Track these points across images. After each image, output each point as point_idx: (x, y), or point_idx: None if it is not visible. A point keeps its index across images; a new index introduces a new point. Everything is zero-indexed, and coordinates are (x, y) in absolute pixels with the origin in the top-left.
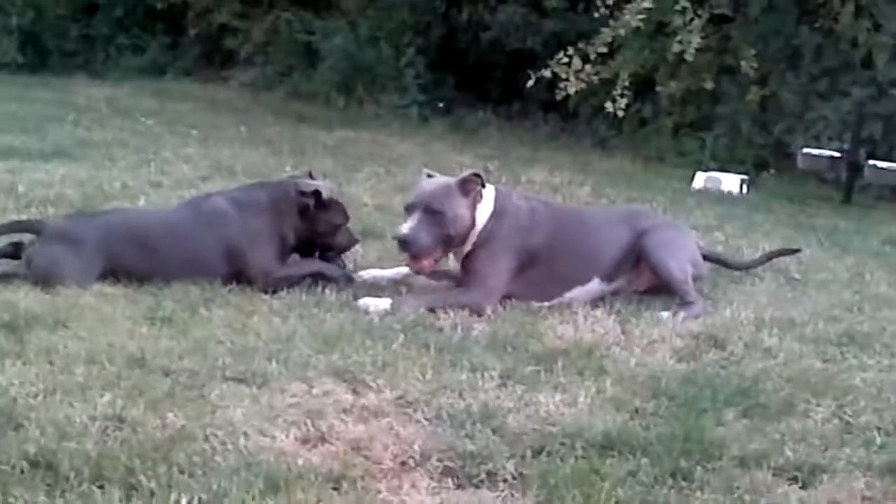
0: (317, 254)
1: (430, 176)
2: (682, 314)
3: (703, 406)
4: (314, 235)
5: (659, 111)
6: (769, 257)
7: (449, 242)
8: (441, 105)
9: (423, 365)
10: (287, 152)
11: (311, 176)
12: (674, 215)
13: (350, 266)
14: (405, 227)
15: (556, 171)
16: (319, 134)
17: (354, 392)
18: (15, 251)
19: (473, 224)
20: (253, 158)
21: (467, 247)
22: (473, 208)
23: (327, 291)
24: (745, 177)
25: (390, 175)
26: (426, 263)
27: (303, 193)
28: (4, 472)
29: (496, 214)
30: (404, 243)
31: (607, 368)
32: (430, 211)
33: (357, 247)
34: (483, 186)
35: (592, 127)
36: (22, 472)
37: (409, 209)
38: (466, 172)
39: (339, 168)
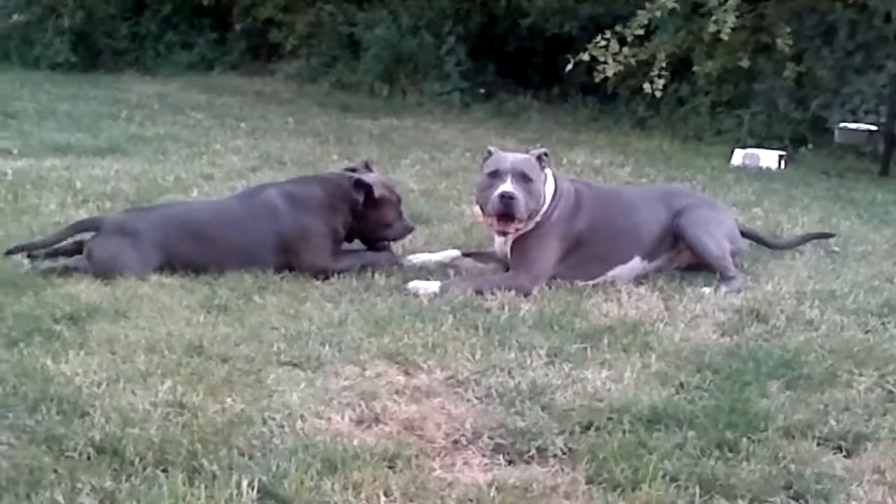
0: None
1: (495, 151)
2: (723, 289)
3: (747, 379)
4: (366, 230)
5: (696, 90)
6: (805, 239)
7: (532, 215)
8: (482, 91)
9: (472, 345)
10: (333, 141)
11: (367, 167)
12: (713, 193)
13: (398, 251)
14: (507, 186)
15: (596, 153)
16: (364, 123)
17: (406, 373)
18: (77, 248)
19: (543, 202)
20: (300, 148)
21: (529, 225)
22: (545, 186)
23: (377, 276)
24: (782, 152)
25: (434, 161)
26: (513, 228)
27: (356, 186)
28: (72, 458)
29: (555, 197)
30: (510, 200)
31: (652, 344)
32: (523, 178)
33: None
34: (549, 165)
35: (631, 108)
36: (88, 458)
37: (496, 175)
38: (537, 150)
39: (384, 155)
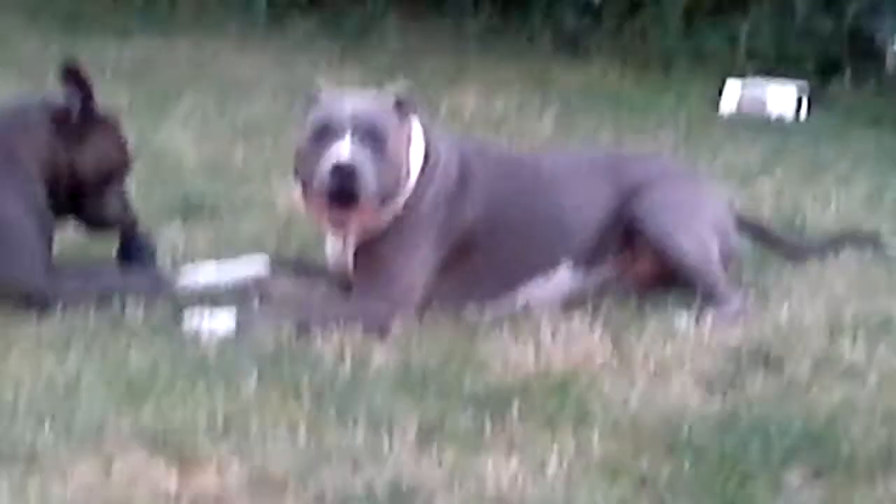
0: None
1: (327, 91)
2: (709, 318)
3: (750, 466)
4: (77, 179)
5: None
6: (841, 240)
7: (388, 198)
8: None
9: (291, 421)
10: (53, 81)
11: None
12: (690, 157)
13: (164, 263)
14: (345, 148)
15: (495, 93)
16: (107, 48)
17: (181, 470)
18: None
19: (408, 176)
20: None
21: (384, 215)
22: (408, 149)
23: (130, 307)
24: (803, 86)
25: (224, 112)
26: (356, 219)
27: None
28: None
29: (427, 165)
30: (350, 172)
31: (593, 412)
32: (372, 135)
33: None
34: (415, 114)
35: (553, 16)
36: None
37: (328, 131)
38: (396, 88)
39: (140, 103)
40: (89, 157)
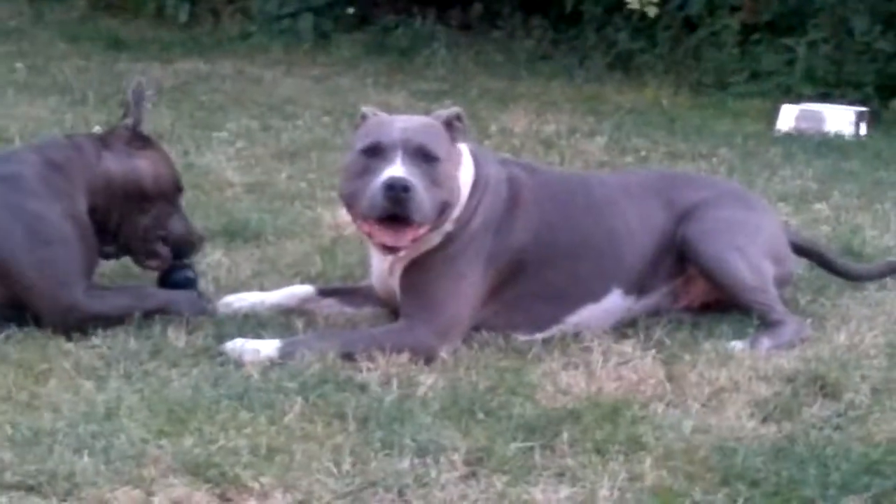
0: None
1: (374, 115)
2: (765, 343)
3: (808, 494)
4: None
5: (715, 5)
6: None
7: (438, 220)
8: (350, 12)
9: (335, 448)
10: (94, 102)
11: (133, 135)
12: (745, 179)
13: (208, 288)
14: (397, 169)
15: (546, 114)
16: (149, 69)
17: (224, 499)
18: None
19: (458, 198)
20: (37, 114)
21: (434, 239)
22: (458, 171)
23: (171, 331)
24: (862, 109)
25: (269, 133)
26: (406, 241)
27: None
28: None
29: (477, 188)
30: (403, 191)
31: (645, 439)
32: (423, 156)
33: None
34: (464, 136)
35: (606, 36)
36: None
37: (377, 152)
38: (445, 110)
39: (183, 124)
40: (141, 175)
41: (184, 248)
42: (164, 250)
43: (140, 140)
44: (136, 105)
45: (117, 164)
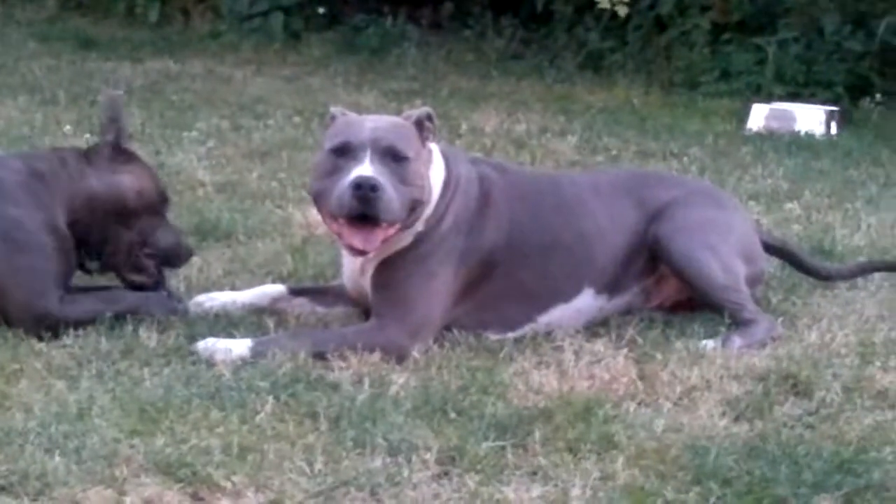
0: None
1: (344, 115)
2: (736, 341)
3: (780, 492)
4: (113, 232)
5: (685, 5)
6: (867, 269)
7: (408, 220)
8: (320, 11)
9: (307, 447)
10: (65, 102)
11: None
12: (717, 178)
13: (179, 287)
14: (366, 168)
15: (517, 113)
16: (120, 68)
17: (195, 498)
18: None
19: (429, 197)
20: (7, 114)
21: (405, 238)
22: (428, 171)
23: (143, 331)
24: (833, 108)
25: (240, 133)
26: (376, 241)
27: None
28: None
29: (448, 188)
30: (372, 190)
31: (617, 438)
32: (392, 155)
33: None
34: (435, 136)
35: (577, 35)
36: None
37: (347, 151)
38: (415, 110)
39: (153, 124)
40: (124, 192)
41: (172, 259)
42: (149, 264)
43: (123, 155)
44: (112, 120)
45: (99, 182)
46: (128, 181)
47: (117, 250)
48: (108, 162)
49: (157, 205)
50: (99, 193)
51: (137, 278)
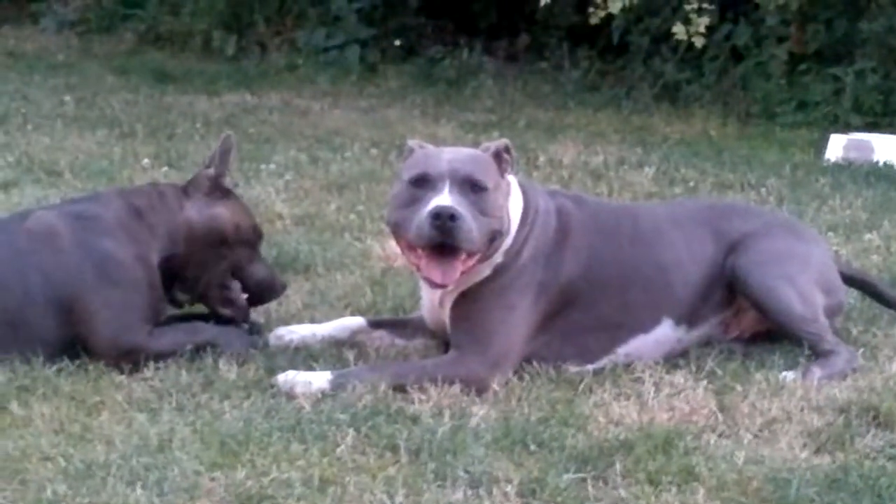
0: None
1: (421, 147)
2: (816, 373)
3: None
4: (207, 276)
5: (762, 34)
6: None
7: (488, 251)
8: (397, 44)
9: (388, 479)
10: (142, 135)
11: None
12: (794, 208)
13: (259, 320)
14: (444, 198)
15: (594, 145)
16: (197, 101)
17: None
18: None
19: (508, 229)
20: (86, 147)
21: (484, 270)
22: (507, 202)
23: (223, 364)
24: None
25: (317, 165)
26: (455, 272)
27: (196, 184)
28: None
29: (526, 219)
30: (451, 220)
31: (698, 470)
32: (471, 186)
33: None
34: (512, 168)
35: (653, 67)
36: None
37: (425, 182)
38: (493, 142)
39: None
40: (222, 223)
41: (265, 293)
42: (240, 298)
43: (220, 191)
44: (221, 157)
45: (197, 213)
46: (225, 214)
47: (211, 283)
48: (206, 195)
49: (251, 239)
50: (197, 225)
51: (227, 311)
